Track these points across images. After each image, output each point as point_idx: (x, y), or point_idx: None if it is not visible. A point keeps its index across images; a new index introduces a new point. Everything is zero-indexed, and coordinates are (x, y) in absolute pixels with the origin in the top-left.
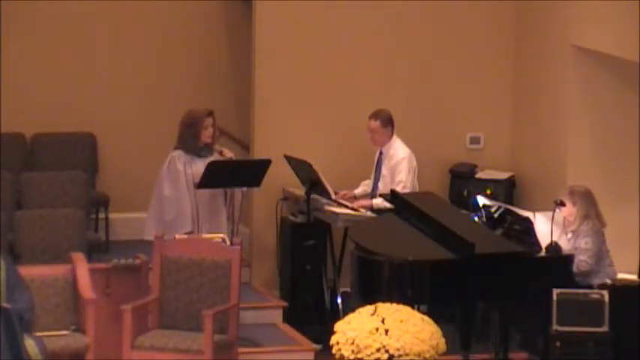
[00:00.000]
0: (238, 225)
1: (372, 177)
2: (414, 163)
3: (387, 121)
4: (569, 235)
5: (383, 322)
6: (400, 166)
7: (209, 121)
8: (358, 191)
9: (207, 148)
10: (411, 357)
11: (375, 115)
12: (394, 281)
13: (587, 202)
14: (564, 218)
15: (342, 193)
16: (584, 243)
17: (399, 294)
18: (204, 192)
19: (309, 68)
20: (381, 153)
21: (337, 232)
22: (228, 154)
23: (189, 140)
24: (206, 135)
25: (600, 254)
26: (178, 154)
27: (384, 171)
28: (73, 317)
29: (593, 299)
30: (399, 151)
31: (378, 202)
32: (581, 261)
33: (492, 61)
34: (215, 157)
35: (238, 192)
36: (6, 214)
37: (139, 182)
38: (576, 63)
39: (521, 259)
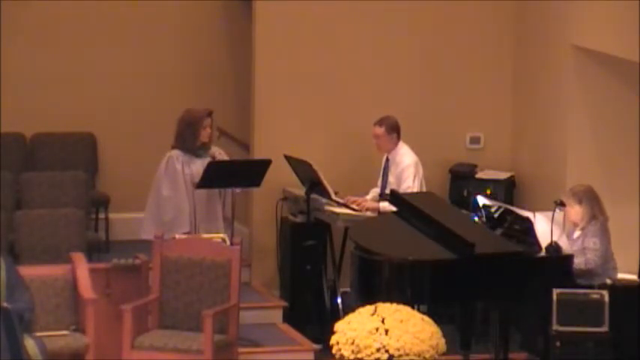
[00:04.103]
0: (233, 224)
1: (380, 183)
2: (421, 170)
3: (392, 128)
4: (578, 234)
5: (383, 322)
6: (406, 173)
7: (208, 121)
8: (368, 198)
9: (205, 148)
10: (411, 357)
11: (380, 122)
12: (394, 281)
13: (592, 200)
14: (564, 217)
15: (353, 199)
16: (593, 243)
17: (399, 294)
18: (202, 192)
19: (309, 68)
20: (387, 159)
21: (337, 232)
22: (220, 157)
23: (188, 139)
24: (205, 135)
25: (607, 255)
26: (176, 154)
27: (391, 178)
28: (73, 317)
29: (593, 299)
30: (405, 157)
31: (385, 205)
32: (589, 259)
33: (492, 61)
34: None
35: (229, 192)
36: (6, 214)
37: (139, 182)
38: (576, 63)
39: (521, 259)
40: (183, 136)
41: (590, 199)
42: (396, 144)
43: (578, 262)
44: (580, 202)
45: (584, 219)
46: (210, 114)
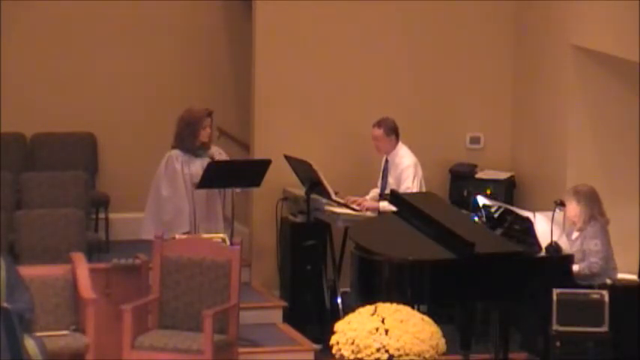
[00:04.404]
0: (233, 224)
1: (379, 185)
2: (420, 171)
3: (391, 130)
4: (576, 235)
5: (383, 322)
6: (405, 173)
7: (208, 121)
8: (368, 198)
9: (204, 147)
10: (411, 357)
11: (379, 124)
12: (394, 281)
13: (592, 201)
14: (564, 217)
15: (353, 199)
16: (594, 245)
17: (399, 294)
18: (201, 192)
19: (309, 68)
20: (387, 161)
21: (337, 232)
22: (220, 157)
23: (187, 139)
24: (204, 135)
25: (607, 256)
26: (176, 154)
27: (391, 179)
28: (73, 317)
29: (593, 299)
30: (404, 159)
31: (385, 204)
32: (593, 263)
33: (492, 61)
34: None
35: (229, 191)
36: (6, 214)
37: (139, 182)
38: (576, 63)
39: (521, 259)
40: (182, 136)
41: (590, 199)
42: (394, 146)
43: (582, 267)
44: (578, 202)
45: (581, 219)
46: (210, 114)
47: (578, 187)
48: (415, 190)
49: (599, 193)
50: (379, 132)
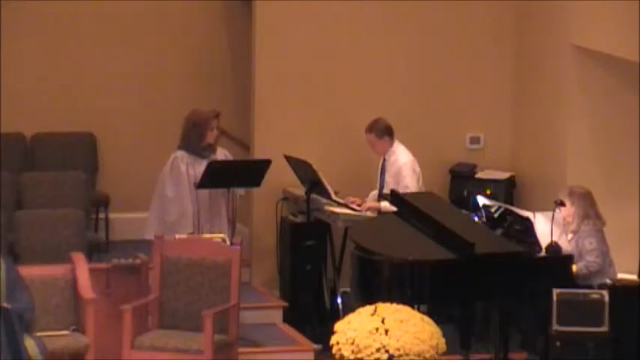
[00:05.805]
0: (234, 224)
1: (378, 184)
2: (418, 168)
3: (383, 132)
4: (570, 236)
5: (383, 322)
6: (403, 171)
7: (215, 122)
8: (368, 200)
9: (210, 149)
10: (411, 357)
11: (370, 128)
12: (394, 281)
13: (586, 203)
14: (563, 218)
15: (353, 199)
16: (589, 243)
17: (399, 294)
18: (205, 192)
19: (309, 68)
20: (384, 160)
21: (337, 232)
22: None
23: (194, 140)
24: (211, 136)
25: (604, 253)
26: (181, 155)
27: (388, 178)
28: (73, 317)
29: (593, 299)
30: (400, 157)
31: (386, 204)
32: (590, 262)
33: (492, 61)
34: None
35: (236, 192)
36: (6, 214)
37: (139, 182)
38: (576, 63)
39: (521, 259)
40: (188, 137)
41: (584, 200)
42: (390, 145)
43: (579, 267)
44: (572, 202)
45: (574, 219)
46: (217, 115)
47: (573, 188)
48: (414, 187)
49: (598, 193)
50: (371, 136)
